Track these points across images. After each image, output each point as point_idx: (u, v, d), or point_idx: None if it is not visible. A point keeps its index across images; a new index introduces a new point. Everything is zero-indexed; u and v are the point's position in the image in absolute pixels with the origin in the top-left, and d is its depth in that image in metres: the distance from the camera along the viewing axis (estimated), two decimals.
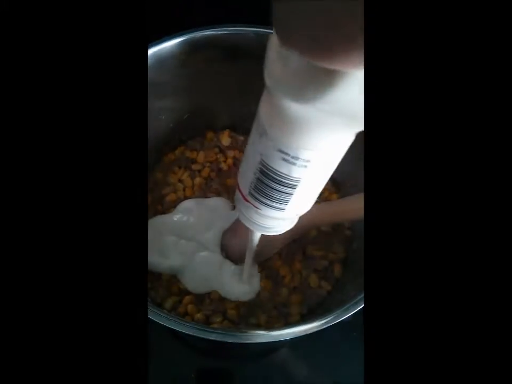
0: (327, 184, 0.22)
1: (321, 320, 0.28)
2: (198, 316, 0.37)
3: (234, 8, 0.40)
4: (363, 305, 0.28)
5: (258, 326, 0.37)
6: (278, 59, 0.15)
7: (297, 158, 0.18)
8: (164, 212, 0.42)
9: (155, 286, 0.39)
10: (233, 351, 0.41)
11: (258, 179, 0.20)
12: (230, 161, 0.46)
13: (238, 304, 0.39)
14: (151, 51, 0.35)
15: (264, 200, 0.21)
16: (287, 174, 0.19)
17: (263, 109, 0.18)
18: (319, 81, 0.14)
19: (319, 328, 0.28)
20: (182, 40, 0.36)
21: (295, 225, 0.26)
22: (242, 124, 0.45)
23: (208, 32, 0.37)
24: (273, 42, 0.15)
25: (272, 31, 0.39)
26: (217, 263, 0.39)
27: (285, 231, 0.26)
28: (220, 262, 0.39)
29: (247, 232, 0.28)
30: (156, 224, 0.40)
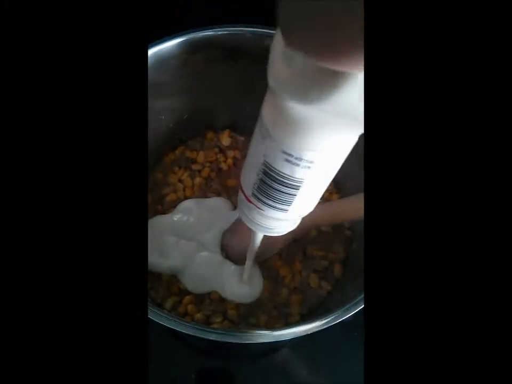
0: None
1: (321, 320, 0.28)
2: (198, 316, 0.37)
3: (234, 8, 0.40)
4: (363, 306, 0.28)
5: (258, 326, 0.37)
6: (282, 60, 0.15)
7: (300, 159, 0.18)
8: (164, 212, 0.42)
9: (155, 286, 0.39)
10: (233, 351, 0.41)
11: (261, 180, 0.20)
12: (230, 161, 0.46)
13: (238, 304, 0.39)
14: (151, 51, 0.35)
15: (267, 201, 0.21)
16: (290, 175, 0.19)
17: (266, 109, 0.18)
18: (323, 82, 0.14)
19: (319, 328, 0.28)
20: (182, 41, 0.36)
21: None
22: (243, 123, 0.45)
23: (208, 33, 0.37)
24: (277, 43, 0.15)
25: (272, 32, 0.39)
26: (217, 263, 0.39)
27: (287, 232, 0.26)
28: (219, 262, 0.39)
29: (248, 232, 0.28)
30: (156, 224, 0.40)
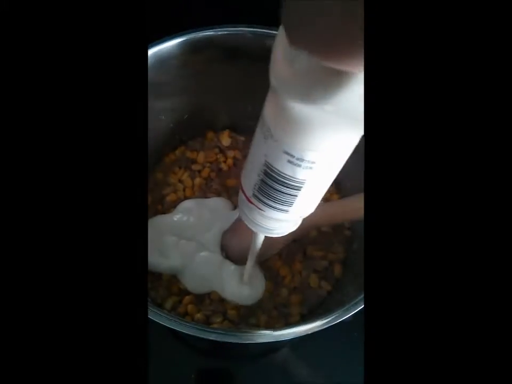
0: None
1: (322, 320, 0.28)
2: (198, 316, 0.37)
3: (234, 8, 0.40)
4: (363, 306, 0.28)
5: (258, 326, 0.38)
6: (285, 60, 0.15)
7: (302, 160, 0.18)
8: (164, 212, 0.42)
9: (155, 286, 0.39)
10: (233, 351, 0.41)
11: (262, 180, 0.20)
12: (230, 161, 0.46)
13: (238, 305, 0.39)
14: (151, 51, 0.35)
15: (268, 202, 0.21)
16: (292, 175, 0.19)
17: (268, 110, 0.18)
18: (325, 82, 0.14)
19: (320, 328, 0.28)
20: (182, 41, 0.36)
21: None
22: (243, 124, 0.45)
23: (208, 33, 0.37)
24: (280, 43, 0.15)
25: (273, 32, 0.39)
26: (217, 263, 0.39)
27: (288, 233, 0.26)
28: (219, 262, 0.39)
29: (248, 232, 0.28)
30: (156, 224, 0.40)
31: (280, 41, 0.15)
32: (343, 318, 0.28)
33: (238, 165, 0.46)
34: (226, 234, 0.40)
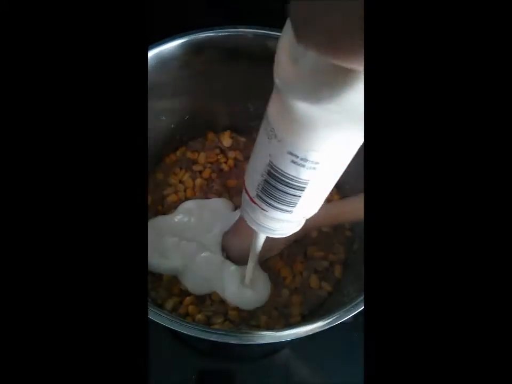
0: None
1: (323, 321, 0.28)
2: (199, 316, 0.37)
3: (235, 9, 0.40)
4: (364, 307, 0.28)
5: (259, 327, 0.37)
6: (290, 60, 0.15)
7: (306, 160, 0.18)
8: (164, 213, 0.43)
9: (156, 286, 0.39)
10: (234, 352, 0.41)
11: (265, 181, 0.20)
12: (231, 162, 0.46)
13: None
14: (152, 52, 0.35)
15: (272, 202, 0.21)
16: (296, 176, 0.19)
17: (272, 110, 0.18)
18: (331, 81, 0.14)
19: (321, 329, 0.28)
20: (183, 42, 0.36)
21: None
22: (244, 124, 0.45)
23: (209, 34, 0.37)
24: (285, 43, 0.15)
25: (273, 33, 0.39)
26: (217, 264, 0.39)
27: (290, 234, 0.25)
28: (220, 263, 0.39)
29: (248, 233, 0.28)
30: (157, 225, 0.40)
31: (285, 41, 0.15)
32: (344, 319, 0.28)
33: (239, 165, 0.46)
34: (227, 235, 0.40)
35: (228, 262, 0.39)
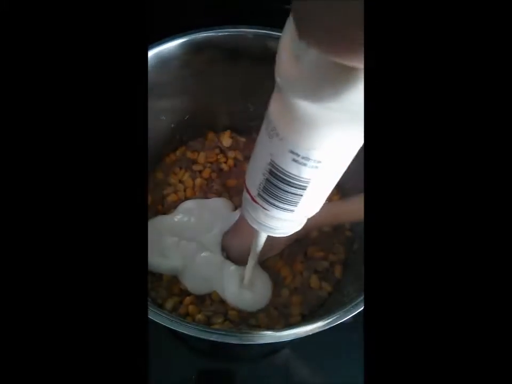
0: None
1: (323, 321, 0.28)
2: (199, 316, 0.37)
3: (235, 9, 0.40)
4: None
5: (259, 327, 0.37)
6: (291, 58, 0.15)
7: (308, 159, 0.18)
8: (164, 213, 0.43)
9: (156, 286, 0.39)
10: (234, 352, 0.41)
11: (267, 180, 0.20)
12: (230, 162, 0.46)
13: None
14: (152, 52, 0.35)
15: (273, 202, 0.21)
16: (297, 175, 0.19)
17: (274, 109, 0.18)
18: (333, 79, 0.14)
19: (321, 329, 0.28)
20: (183, 41, 0.36)
21: None
22: (243, 124, 0.46)
23: (209, 33, 0.37)
24: (286, 42, 0.15)
25: (273, 32, 0.39)
26: (217, 263, 0.39)
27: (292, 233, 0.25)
28: (220, 262, 0.39)
29: (248, 233, 0.28)
30: (157, 225, 0.40)
31: (286, 40, 0.15)
32: (344, 319, 0.28)
33: (238, 165, 0.46)
34: (227, 234, 0.40)
35: (228, 262, 0.39)
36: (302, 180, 0.19)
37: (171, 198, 0.43)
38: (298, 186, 0.19)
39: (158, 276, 0.39)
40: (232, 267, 0.39)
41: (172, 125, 0.44)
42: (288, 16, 0.15)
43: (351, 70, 0.14)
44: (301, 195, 0.20)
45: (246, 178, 0.23)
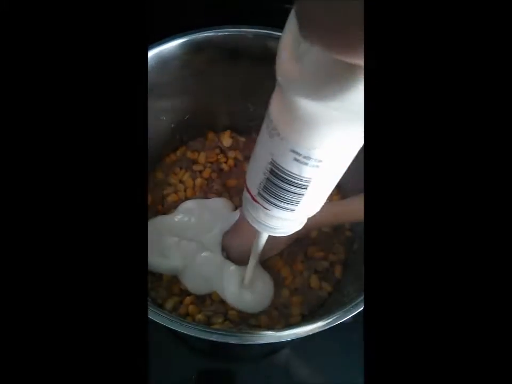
0: None
1: (323, 321, 0.28)
2: (199, 316, 0.37)
3: (235, 9, 0.40)
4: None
5: (259, 327, 0.37)
6: (293, 57, 0.15)
7: (309, 158, 0.18)
8: (165, 213, 0.43)
9: (156, 286, 0.39)
10: (234, 352, 0.41)
11: (268, 179, 0.20)
12: (231, 162, 0.46)
13: None
14: (153, 52, 0.35)
15: (274, 201, 0.21)
16: (298, 174, 0.19)
17: (274, 108, 0.18)
18: (335, 77, 0.14)
19: (321, 329, 0.28)
20: (183, 41, 0.36)
21: None
22: (244, 124, 0.46)
23: (209, 33, 0.37)
24: (287, 41, 0.15)
25: (273, 32, 0.39)
26: (218, 263, 0.39)
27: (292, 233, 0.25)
28: (220, 262, 0.39)
29: (249, 233, 0.28)
30: (157, 225, 0.40)
31: (287, 39, 0.15)
32: (344, 319, 0.28)
33: (239, 165, 0.46)
34: (227, 234, 0.40)
35: (228, 262, 0.39)
36: (303, 179, 0.19)
37: (171, 198, 0.43)
38: (299, 186, 0.19)
39: (158, 276, 0.39)
40: (232, 267, 0.39)
41: (172, 125, 0.44)
42: (288, 16, 0.15)
43: (352, 69, 0.14)
44: (302, 194, 0.20)
45: (247, 177, 0.23)
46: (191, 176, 0.45)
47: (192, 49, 0.37)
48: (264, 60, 0.36)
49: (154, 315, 0.27)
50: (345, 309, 0.28)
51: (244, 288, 0.38)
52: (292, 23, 0.15)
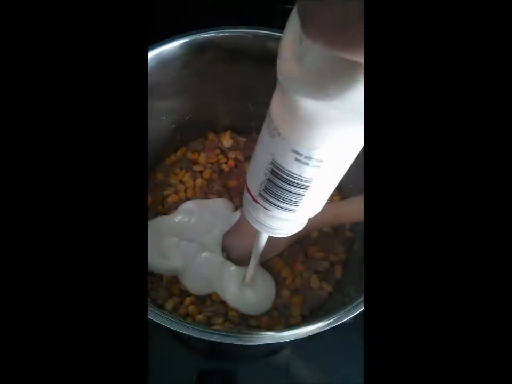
0: None
1: (324, 322, 0.28)
2: (199, 317, 0.37)
3: (235, 10, 0.40)
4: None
5: (259, 328, 0.37)
6: (294, 57, 0.15)
7: (310, 158, 0.18)
8: (165, 213, 0.43)
9: (156, 287, 0.39)
10: (234, 353, 0.41)
11: (269, 180, 0.20)
12: (231, 162, 0.46)
13: None
14: (153, 53, 0.35)
15: (275, 202, 0.21)
16: (299, 174, 0.19)
17: (275, 108, 0.18)
18: (337, 76, 0.14)
19: (321, 330, 0.28)
20: (184, 42, 0.36)
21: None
22: (244, 125, 0.46)
23: (209, 34, 0.37)
24: (288, 40, 0.15)
25: (273, 33, 0.39)
26: (218, 264, 0.39)
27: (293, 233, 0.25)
28: (220, 263, 0.39)
29: (249, 233, 0.28)
30: (157, 225, 0.40)
31: (288, 38, 0.15)
32: (344, 320, 0.28)
33: (239, 166, 0.46)
34: (227, 235, 0.40)
35: (228, 263, 0.39)
36: (304, 179, 0.19)
37: (171, 198, 0.43)
38: (300, 186, 0.19)
39: (158, 277, 0.39)
40: (233, 268, 0.39)
41: (172, 126, 0.44)
42: (288, 16, 0.15)
43: (353, 67, 0.14)
44: (303, 195, 0.20)
45: (247, 178, 0.23)
46: (191, 177, 0.45)
47: (193, 50, 0.37)
48: (264, 60, 0.36)
49: (154, 315, 0.27)
50: (345, 310, 0.28)
51: (245, 287, 0.38)
52: (292, 23, 0.15)
